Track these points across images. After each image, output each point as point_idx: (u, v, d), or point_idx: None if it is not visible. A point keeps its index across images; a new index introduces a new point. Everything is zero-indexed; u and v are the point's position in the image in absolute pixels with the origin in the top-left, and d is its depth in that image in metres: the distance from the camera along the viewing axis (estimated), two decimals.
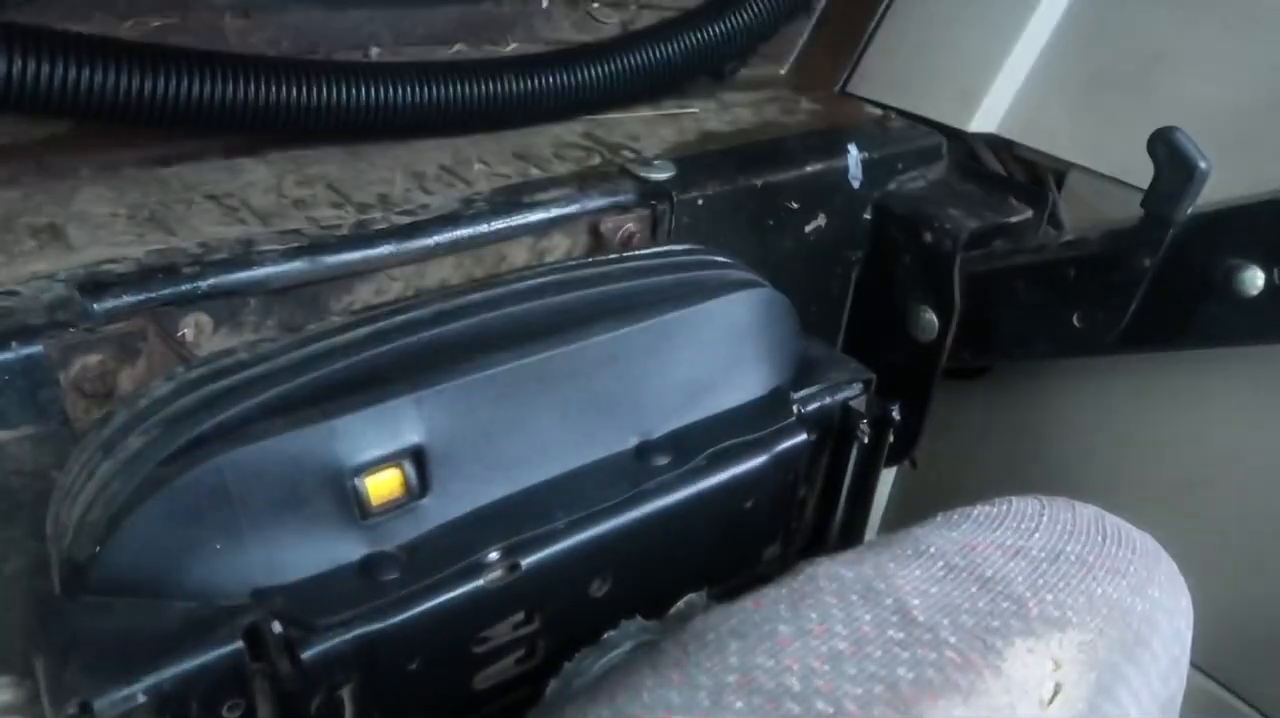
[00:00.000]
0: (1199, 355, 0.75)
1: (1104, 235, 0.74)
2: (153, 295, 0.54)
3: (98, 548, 0.42)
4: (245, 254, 0.57)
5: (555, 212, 0.68)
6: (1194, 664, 0.57)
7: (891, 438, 0.66)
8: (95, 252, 0.57)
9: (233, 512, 0.44)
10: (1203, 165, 0.65)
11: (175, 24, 0.66)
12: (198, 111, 0.64)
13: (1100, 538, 0.53)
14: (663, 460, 0.55)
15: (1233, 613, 0.75)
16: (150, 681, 0.40)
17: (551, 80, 0.76)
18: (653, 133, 0.82)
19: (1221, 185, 0.67)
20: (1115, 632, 0.50)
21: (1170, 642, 0.53)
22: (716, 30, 0.83)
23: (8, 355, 0.49)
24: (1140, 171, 0.68)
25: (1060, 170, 0.82)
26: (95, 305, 0.52)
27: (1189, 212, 0.68)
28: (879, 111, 0.92)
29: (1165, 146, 0.66)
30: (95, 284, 0.53)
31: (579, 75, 0.78)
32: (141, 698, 0.39)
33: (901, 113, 0.90)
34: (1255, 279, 0.67)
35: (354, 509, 0.47)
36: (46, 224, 0.59)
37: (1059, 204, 0.82)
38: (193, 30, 0.67)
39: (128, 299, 0.53)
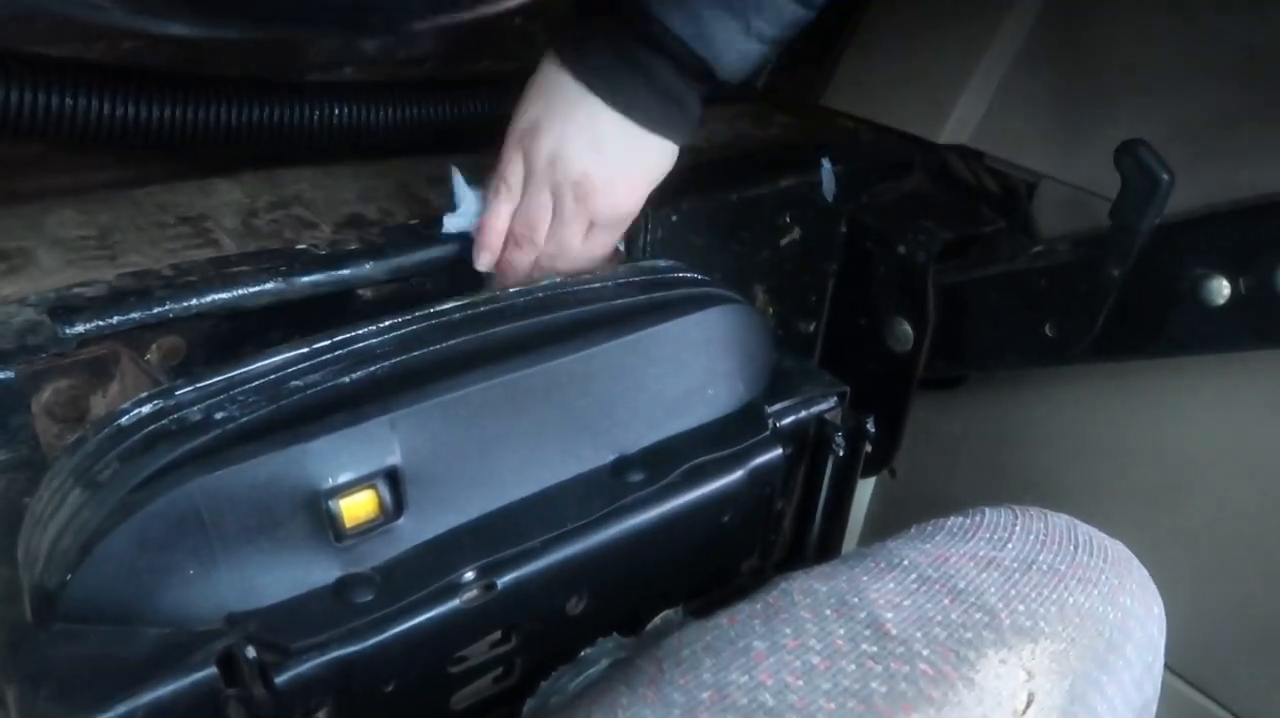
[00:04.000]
0: (1169, 363, 0.76)
1: (1074, 245, 0.75)
2: (124, 319, 0.54)
3: (69, 575, 0.42)
4: (218, 275, 0.57)
5: None
6: (1168, 668, 0.57)
7: (869, 448, 0.67)
8: (66, 275, 0.57)
9: (205, 537, 0.44)
10: (1166, 177, 0.66)
11: (144, 46, 0.65)
12: (171, 133, 0.64)
13: (1072, 547, 0.53)
14: (638, 477, 0.55)
15: (1205, 617, 0.76)
16: (124, 708, 0.40)
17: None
18: None
19: (1187, 196, 0.68)
20: (1087, 640, 0.50)
21: (1143, 648, 0.53)
22: None
23: None
24: (1108, 182, 0.69)
25: (1031, 181, 0.83)
26: (66, 330, 0.52)
27: (1155, 222, 0.69)
28: (852, 125, 0.92)
29: (1130, 158, 0.67)
30: (66, 308, 0.53)
31: None
32: None
33: (874, 125, 0.91)
34: (1221, 288, 0.68)
35: (328, 532, 0.47)
36: (16, 248, 0.59)
37: (1030, 215, 0.83)
38: (165, 52, 0.67)
39: (99, 323, 0.53)
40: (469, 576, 0.48)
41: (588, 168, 0.61)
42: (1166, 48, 0.75)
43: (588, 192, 0.61)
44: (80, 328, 0.52)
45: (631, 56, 0.59)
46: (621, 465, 0.55)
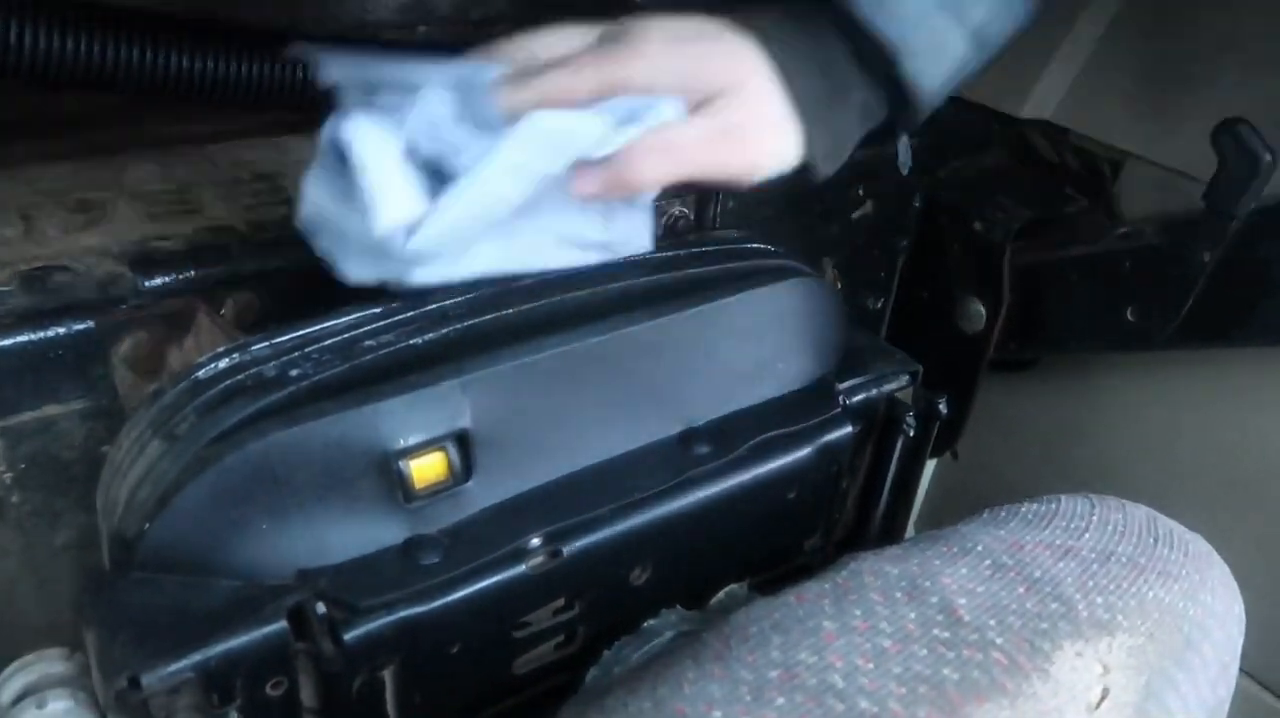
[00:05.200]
0: (1256, 353, 0.73)
1: (1162, 228, 0.72)
2: (202, 273, 0.54)
3: (147, 525, 0.43)
4: (293, 235, 0.57)
5: None
6: (1243, 670, 0.55)
7: (937, 430, 0.66)
8: (146, 228, 0.57)
9: (279, 492, 0.44)
10: (1268, 158, 0.63)
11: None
12: (250, 89, 0.64)
13: (1152, 540, 0.52)
14: (706, 449, 0.54)
15: None
16: (197, 657, 0.40)
17: None
18: None
19: None
20: (1165, 636, 0.49)
21: (1221, 648, 0.52)
22: None
23: (60, 331, 0.49)
24: (1201, 163, 0.66)
25: (1117, 160, 0.80)
26: (146, 282, 0.53)
27: (1252, 205, 0.66)
28: None
29: (1231, 139, 0.64)
30: (146, 261, 0.54)
31: None
32: (189, 674, 0.40)
33: (954, 98, 0.88)
34: None
35: (397, 492, 0.47)
36: (98, 199, 0.60)
37: (1115, 195, 0.80)
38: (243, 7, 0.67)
39: (178, 276, 0.54)
40: (535, 542, 0.48)
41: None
42: (1267, 18, 0.72)
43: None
44: (159, 281, 0.53)
45: (810, 25, 0.51)
46: (689, 437, 0.55)
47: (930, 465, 1.01)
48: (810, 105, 0.51)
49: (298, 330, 0.49)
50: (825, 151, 0.53)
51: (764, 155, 0.52)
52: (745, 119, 0.50)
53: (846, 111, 0.53)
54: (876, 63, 0.51)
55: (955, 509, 0.55)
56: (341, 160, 0.45)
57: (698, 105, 0.49)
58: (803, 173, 0.54)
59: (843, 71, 0.52)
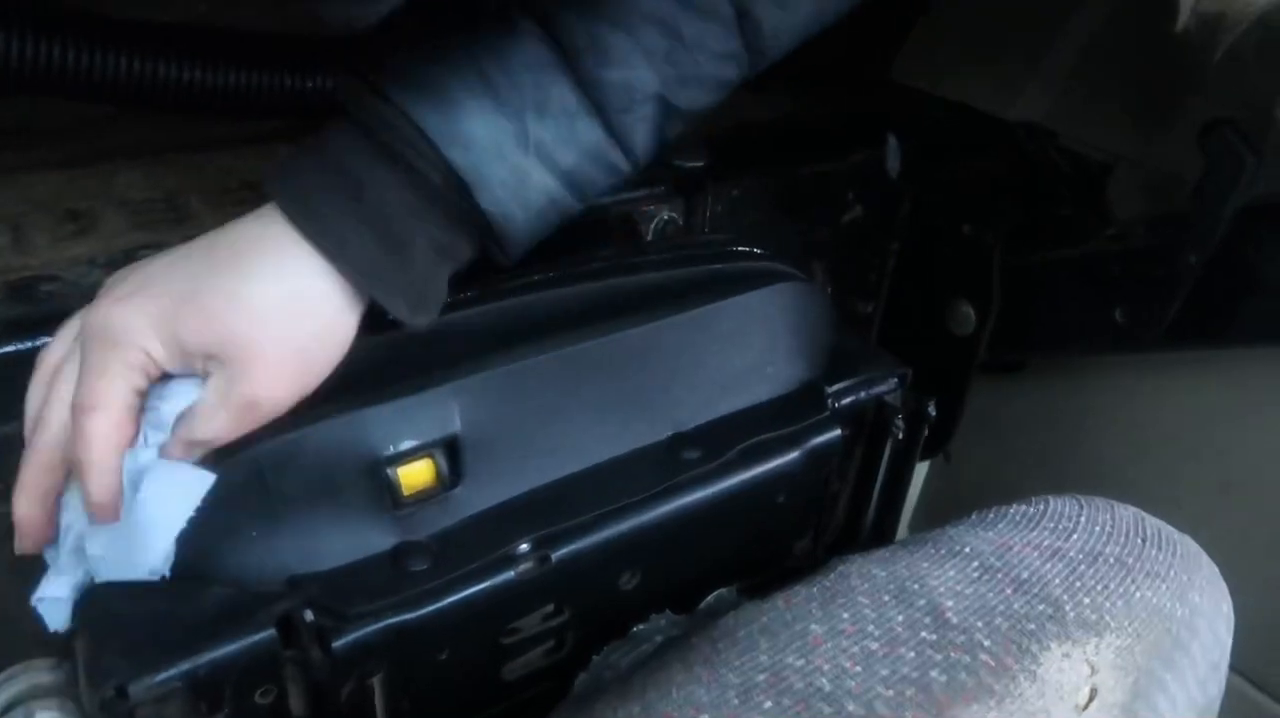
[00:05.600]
0: (1244, 354, 0.73)
1: (1150, 229, 0.73)
2: None
3: None
4: None
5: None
6: (1234, 669, 0.56)
7: (926, 433, 0.66)
8: (133, 237, 0.57)
9: (268, 500, 0.44)
10: (1252, 159, 0.63)
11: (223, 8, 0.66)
12: (238, 99, 0.64)
13: (1140, 540, 0.52)
14: (695, 454, 0.54)
15: (1275, 618, 0.73)
16: (185, 666, 0.40)
17: None
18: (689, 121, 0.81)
19: (1274, 179, 0.66)
20: (1153, 636, 0.49)
21: (1210, 647, 0.52)
22: None
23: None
24: (1188, 165, 0.67)
25: (1106, 162, 0.80)
26: None
27: (1238, 206, 0.66)
28: (921, 100, 0.90)
29: (1216, 141, 0.64)
30: None
31: None
32: (177, 683, 0.40)
33: (944, 101, 0.89)
34: None
35: (386, 499, 0.47)
36: (86, 208, 0.60)
37: (1105, 197, 0.80)
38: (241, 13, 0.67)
39: None
40: (524, 547, 0.48)
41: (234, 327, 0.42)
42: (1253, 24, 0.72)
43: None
44: None
45: (348, 168, 0.43)
46: (678, 442, 0.55)
47: (923, 468, 1.01)
48: (370, 269, 0.44)
49: None
50: (411, 304, 0.46)
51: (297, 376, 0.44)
52: (254, 372, 0.43)
53: (417, 259, 0.45)
54: (451, 198, 0.44)
55: (948, 512, 0.56)
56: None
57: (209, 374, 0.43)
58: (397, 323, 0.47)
59: (404, 218, 0.44)
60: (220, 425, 0.43)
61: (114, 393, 0.41)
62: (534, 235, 0.47)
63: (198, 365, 0.43)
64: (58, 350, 0.44)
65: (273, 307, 0.42)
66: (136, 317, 0.41)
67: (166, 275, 0.43)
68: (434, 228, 0.45)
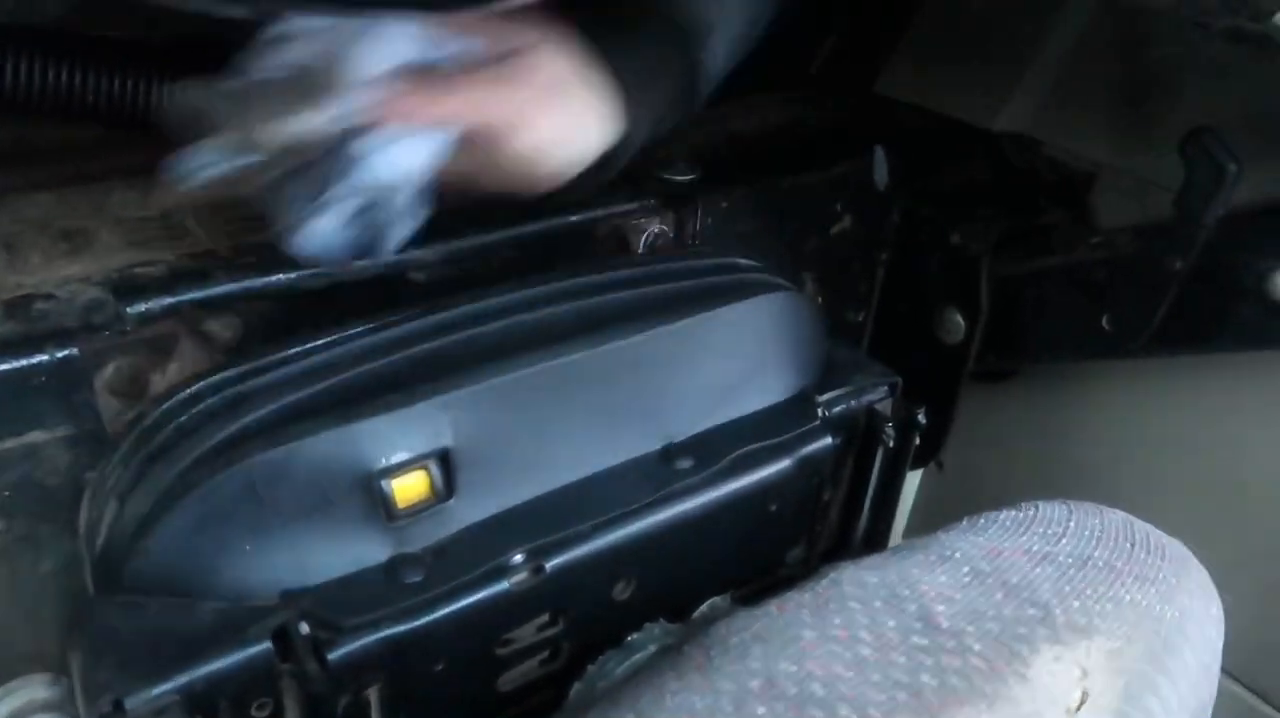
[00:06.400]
0: (1230, 359, 0.74)
1: (1135, 237, 0.73)
2: (184, 298, 0.55)
3: (130, 548, 0.43)
4: (275, 257, 0.58)
5: (580, 215, 0.68)
6: (1226, 672, 0.56)
7: (917, 441, 0.66)
8: (128, 255, 0.58)
9: (262, 513, 0.44)
10: (1233, 167, 0.64)
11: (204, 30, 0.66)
12: None
13: (1129, 544, 0.52)
14: (687, 464, 0.55)
15: (1265, 619, 0.74)
16: (182, 680, 0.41)
17: None
18: (677, 134, 0.82)
19: (1256, 188, 0.66)
20: (1144, 639, 0.49)
21: (1201, 649, 0.52)
22: None
23: (44, 358, 0.50)
24: (1171, 173, 0.67)
25: (1091, 171, 0.81)
26: (128, 308, 0.53)
27: (1221, 213, 0.67)
28: (907, 111, 0.91)
29: (1196, 147, 0.65)
30: (128, 287, 0.54)
31: None
32: (173, 697, 0.40)
33: (929, 112, 0.90)
34: None
35: (380, 511, 0.47)
36: (80, 228, 0.60)
37: (1090, 205, 0.81)
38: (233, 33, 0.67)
39: (160, 302, 0.54)
40: (518, 558, 0.49)
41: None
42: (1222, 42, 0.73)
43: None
44: (142, 307, 0.53)
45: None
46: (670, 452, 0.55)
47: (916, 477, 1.02)
48: (630, 79, 0.54)
49: (280, 352, 0.49)
50: (645, 123, 0.56)
51: (560, 124, 0.53)
52: (544, 80, 0.52)
53: (662, 91, 0.57)
54: (687, 44, 0.56)
55: (942, 519, 0.56)
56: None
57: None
58: (610, 155, 0.56)
59: (660, 56, 0.56)
60: (466, 110, 0.50)
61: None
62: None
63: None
64: None
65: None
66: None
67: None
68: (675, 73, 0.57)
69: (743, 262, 0.62)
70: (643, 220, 0.70)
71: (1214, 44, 0.73)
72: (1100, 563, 0.50)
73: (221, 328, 0.56)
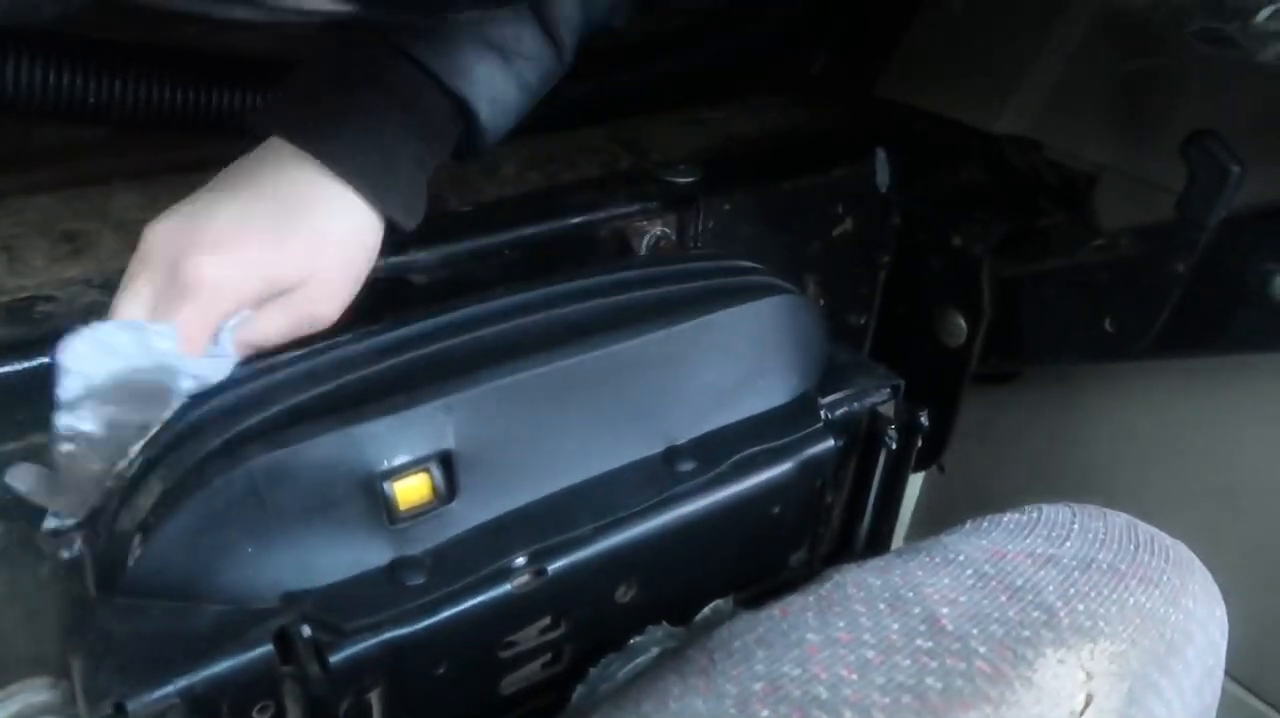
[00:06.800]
0: (1233, 361, 0.73)
1: (1137, 239, 0.73)
2: None
3: (131, 551, 0.43)
4: None
5: (582, 217, 0.68)
6: (1229, 675, 0.56)
7: (920, 443, 0.66)
8: (129, 257, 0.57)
9: (264, 515, 0.44)
10: (1236, 169, 0.64)
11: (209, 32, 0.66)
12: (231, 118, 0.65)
13: (1133, 547, 0.52)
14: (689, 466, 0.55)
15: (1269, 623, 0.74)
16: (183, 683, 0.40)
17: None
18: (680, 137, 0.82)
19: (1259, 190, 0.66)
20: (1148, 642, 0.49)
21: (1204, 652, 0.52)
22: None
23: (45, 360, 0.49)
24: (1173, 174, 0.67)
25: (1092, 173, 0.81)
26: None
27: (1223, 215, 0.67)
28: (908, 114, 0.91)
29: (1198, 149, 0.65)
30: None
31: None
32: (174, 700, 0.40)
33: (930, 115, 0.89)
34: None
35: (382, 514, 0.47)
36: (81, 230, 0.60)
37: (1091, 207, 0.81)
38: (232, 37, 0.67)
39: None
40: (520, 561, 0.49)
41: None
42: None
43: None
44: None
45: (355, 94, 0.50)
46: (672, 455, 0.55)
47: (918, 479, 1.02)
48: (376, 178, 0.50)
49: (281, 355, 0.49)
50: (405, 209, 0.52)
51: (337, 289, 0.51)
52: (319, 294, 0.50)
53: (408, 169, 0.52)
54: (446, 116, 0.53)
55: (945, 522, 0.56)
56: None
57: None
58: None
59: (396, 129, 0.51)
60: (278, 332, 0.49)
61: (205, 337, 0.47)
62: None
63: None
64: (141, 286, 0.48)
65: (342, 242, 0.50)
66: (233, 268, 0.47)
67: (243, 224, 0.48)
68: (414, 146, 0.52)
69: (744, 264, 0.62)
70: (644, 223, 0.70)
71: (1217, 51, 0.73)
72: (1104, 566, 0.50)
73: None
